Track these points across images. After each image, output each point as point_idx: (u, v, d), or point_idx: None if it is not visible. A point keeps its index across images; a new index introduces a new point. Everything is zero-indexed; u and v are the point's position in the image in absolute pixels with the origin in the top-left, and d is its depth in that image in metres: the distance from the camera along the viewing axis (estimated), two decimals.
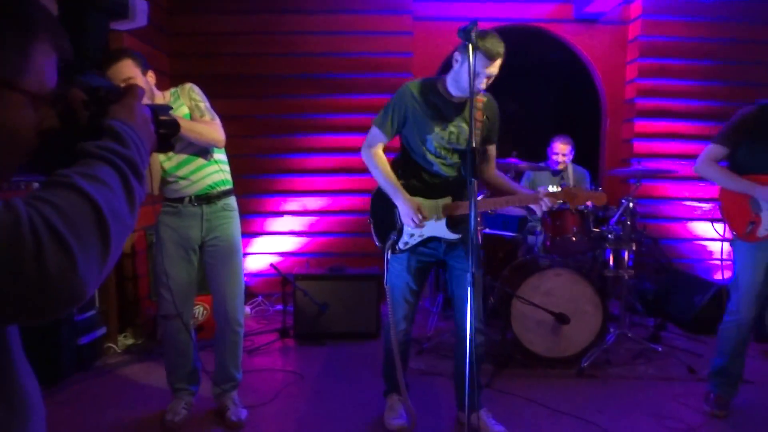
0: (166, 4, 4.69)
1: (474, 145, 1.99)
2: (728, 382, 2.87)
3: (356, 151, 4.87)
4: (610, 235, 3.66)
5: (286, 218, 4.94)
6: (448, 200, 2.48)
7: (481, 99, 2.48)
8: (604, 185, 5.10)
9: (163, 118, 0.95)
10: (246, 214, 4.85)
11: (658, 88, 4.92)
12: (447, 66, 2.52)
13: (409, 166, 2.55)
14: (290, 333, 3.95)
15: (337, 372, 3.44)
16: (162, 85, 2.75)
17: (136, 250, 4.03)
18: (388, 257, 2.55)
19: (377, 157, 2.53)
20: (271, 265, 4.06)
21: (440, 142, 2.45)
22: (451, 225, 2.49)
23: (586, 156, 4.84)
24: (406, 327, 2.65)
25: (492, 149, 2.64)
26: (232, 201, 2.75)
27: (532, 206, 2.44)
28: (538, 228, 3.99)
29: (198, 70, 4.68)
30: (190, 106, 2.60)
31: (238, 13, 4.76)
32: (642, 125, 4.97)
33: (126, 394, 3.14)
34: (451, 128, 2.45)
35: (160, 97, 2.59)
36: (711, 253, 5.06)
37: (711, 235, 5.00)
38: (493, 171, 2.66)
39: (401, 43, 4.85)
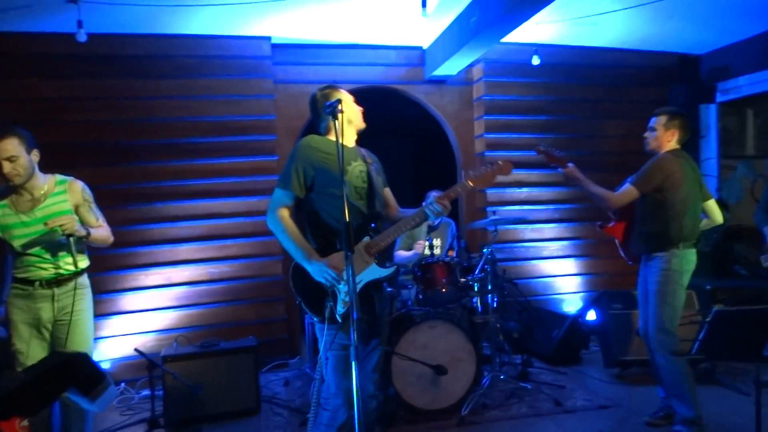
0: None
1: (347, 219, 2.03)
2: None
3: (223, 216, 4.81)
4: (476, 284, 3.90)
5: (149, 294, 4.60)
6: (366, 240, 2.36)
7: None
8: (467, 234, 5.45)
9: None
10: (103, 293, 4.46)
11: (504, 142, 5.42)
12: (312, 126, 2.62)
13: (319, 225, 2.38)
14: (161, 422, 3.62)
15: None
16: None
17: None
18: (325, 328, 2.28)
19: (285, 221, 2.35)
20: (135, 349, 3.72)
21: (355, 181, 2.41)
22: (381, 261, 2.39)
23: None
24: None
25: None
26: (84, 279, 2.86)
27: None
28: (410, 282, 4.14)
29: None
30: (78, 204, 2.79)
31: (73, 77, 4.43)
32: None
33: None
34: (359, 167, 2.44)
35: (44, 181, 2.72)
36: (557, 288, 5.59)
37: (558, 271, 5.60)
38: (396, 212, 2.64)
39: (263, 106, 4.86)
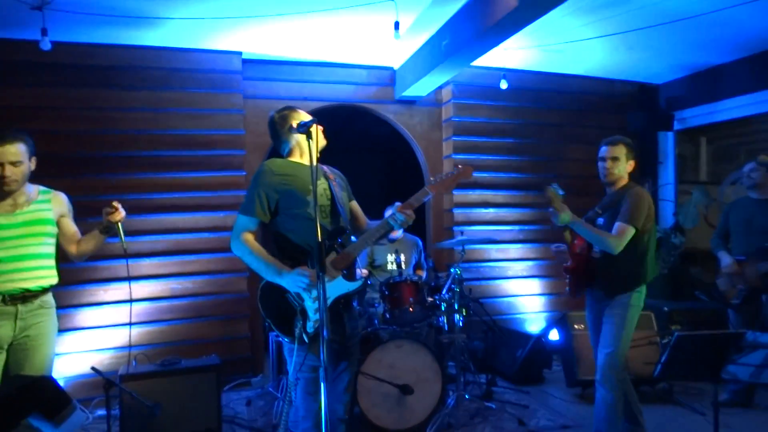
0: None
1: (320, 239, 2.05)
2: None
3: (187, 231, 4.72)
4: (443, 304, 3.92)
5: (108, 309, 4.45)
6: (333, 255, 2.34)
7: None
8: (434, 253, 5.49)
9: None
10: (59, 308, 4.25)
11: (471, 163, 5.47)
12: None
13: (287, 247, 2.38)
14: None
15: None
16: None
17: None
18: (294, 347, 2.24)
19: (249, 243, 2.34)
20: (92, 367, 3.59)
21: (320, 199, 2.39)
22: (349, 275, 2.38)
23: (414, 224, 5.19)
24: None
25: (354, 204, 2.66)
26: (49, 297, 2.73)
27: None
28: (377, 301, 4.13)
29: None
30: (63, 214, 2.78)
31: (36, 86, 4.30)
32: (460, 196, 5.50)
33: None
34: (322, 185, 2.44)
35: (29, 189, 2.69)
36: (521, 307, 5.67)
37: (522, 291, 5.68)
38: (365, 224, 2.66)
39: (232, 120, 4.82)
